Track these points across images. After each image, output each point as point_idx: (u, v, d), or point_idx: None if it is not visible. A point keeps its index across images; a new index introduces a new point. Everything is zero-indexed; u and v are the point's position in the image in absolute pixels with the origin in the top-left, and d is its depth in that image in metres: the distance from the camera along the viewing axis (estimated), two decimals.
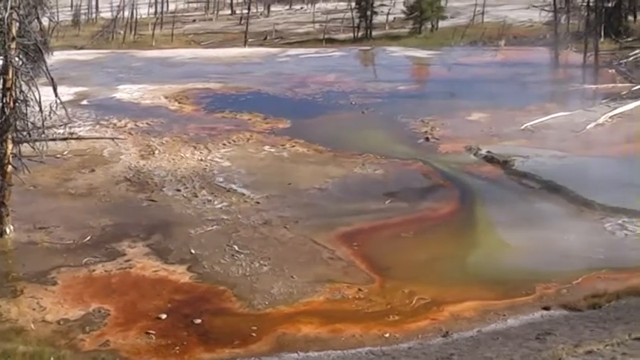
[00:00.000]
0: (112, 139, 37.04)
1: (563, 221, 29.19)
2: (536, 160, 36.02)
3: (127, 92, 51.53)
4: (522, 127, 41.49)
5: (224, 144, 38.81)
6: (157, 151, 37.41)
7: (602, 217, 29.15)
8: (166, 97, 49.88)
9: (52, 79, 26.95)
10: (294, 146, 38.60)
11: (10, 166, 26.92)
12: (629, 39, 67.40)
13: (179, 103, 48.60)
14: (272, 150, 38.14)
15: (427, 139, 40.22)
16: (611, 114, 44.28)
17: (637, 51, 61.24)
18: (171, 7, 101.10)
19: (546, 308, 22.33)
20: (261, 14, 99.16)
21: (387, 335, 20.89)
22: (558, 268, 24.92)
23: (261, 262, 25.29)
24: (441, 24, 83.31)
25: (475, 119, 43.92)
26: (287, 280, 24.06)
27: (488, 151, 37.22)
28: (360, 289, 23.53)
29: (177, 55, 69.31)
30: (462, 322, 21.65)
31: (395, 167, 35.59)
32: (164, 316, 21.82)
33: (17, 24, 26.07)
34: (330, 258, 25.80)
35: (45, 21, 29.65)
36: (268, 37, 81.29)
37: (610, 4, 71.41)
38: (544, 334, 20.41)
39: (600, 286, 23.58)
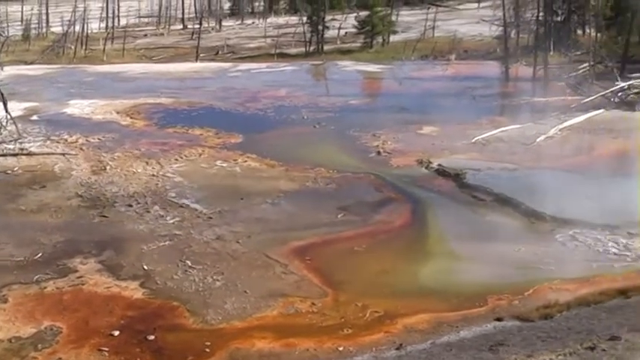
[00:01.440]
0: (63, 154, 36.86)
1: (514, 233, 29.45)
2: (487, 173, 36.31)
3: (78, 107, 51.17)
4: (473, 140, 41.84)
5: (176, 159, 38.69)
6: (108, 167, 37.19)
7: (553, 228, 29.44)
8: (118, 112, 49.62)
9: (1, 94, 26.81)
10: (246, 161, 38.57)
11: None
12: (578, 52, 68.04)
13: (131, 118, 48.39)
14: (224, 165, 38.09)
15: (379, 152, 40.35)
16: (561, 126, 44.80)
17: (586, 64, 61.89)
18: (123, 21, 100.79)
19: (499, 319, 22.42)
20: (212, 29, 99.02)
21: (340, 349, 20.87)
22: (510, 280, 25.11)
23: (214, 277, 25.20)
24: (393, 38, 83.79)
25: (426, 133, 44.16)
26: (240, 295, 24.00)
27: (440, 165, 37.43)
28: (313, 303, 23.53)
29: (129, 70, 69.04)
30: (416, 335, 21.67)
31: (347, 181, 35.68)
32: (117, 333, 21.62)
33: None
34: (283, 272, 25.76)
35: None
36: (220, 52, 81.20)
37: (559, 19, 72.24)
38: (497, 345, 20.53)
39: (552, 296, 23.77)
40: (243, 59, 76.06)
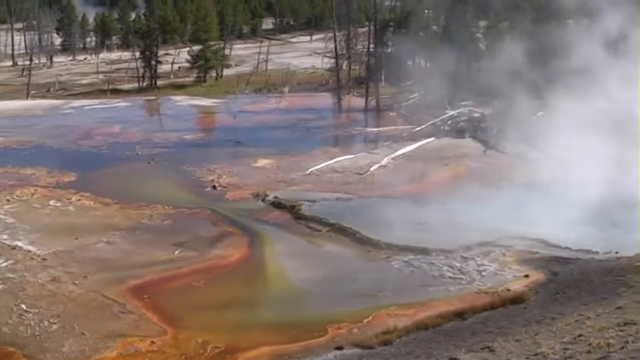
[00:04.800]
0: None
1: (351, 262, 29.99)
2: (322, 204, 36.73)
3: None
4: (308, 171, 42.31)
5: (7, 200, 37.69)
6: None
7: (389, 255, 30.09)
8: None
9: None
10: (80, 200, 37.89)
11: None
12: (409, 83, 69.63)
13: None
14: (58, 204, 37.32)
15: (214, 187, 40.31)
16: (393, 155, 45.77)
17: (416, 94, 63.40)
18: None
19: (339, 348, 22.71)
20: (43, 65, 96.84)
21: None
22: (349, 308, 25.52)
23: (51, 320, 24.65)
24: (226, 72, 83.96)
25: (261, 166, 44.44)
26: (78, 337, 23.55)
27: (276, 197, 37.68)
28: (152, 342, 23.34)
29: None
30: None
31: (183, 217, 35.54)
32: None
33: None
34: (121, 312, 25.45)
35: None
36: (51, 89, 79.46)
37: (389, 50, 73.78)
38: None
39: (390, 322, 24.26)
40: (76, 96, 74.70)
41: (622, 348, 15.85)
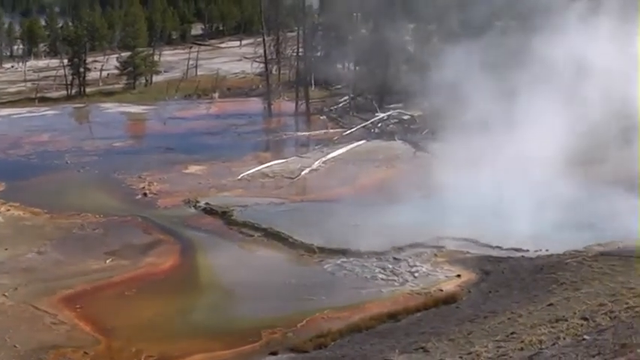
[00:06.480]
0: None
1: (284, 266, 30.09)
2: (254, 209, 36.76)
3: None
4: (239, 177, 42.28)
5: None
6: None
7: (322, 259, 30.25)
8: None
9: None
10: (9, 210, 37.41)
11: None
12: (339, 86, 69.99)
13: None
14: None
15: (145, 194, 40.08)
16: (324, 159, 45.91)
17: (346, 97, 63.82)
18: None
19: (274, 353, 22.80)
20: None
21: None
22: (283, 313, 25.63)
23: None
24: (156, 78, 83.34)
25: (192, 172, 44.32)
26: (10, 350, 23.30)
27: (207, 203, 37.61)
28: (85, 352, 23.20)
29: None
30: None
31: (114, 225, 35.29)
32: None
33: None
34: (53, 323, 25.24)
35: None
36: None
37: (319, 54, 73.99)
38: None
39: (325, 326, 24.43)
40: (3, 104, 73.42)
41: (554, 344, 16.09)
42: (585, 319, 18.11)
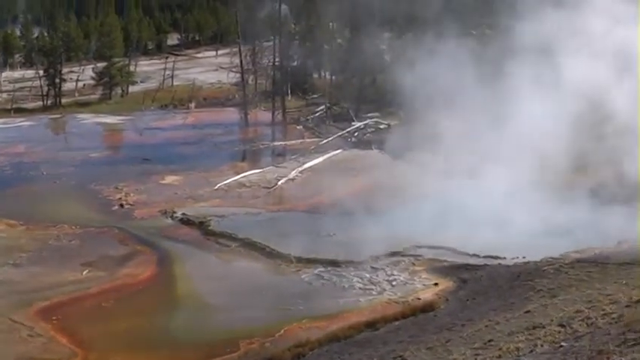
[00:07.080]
0: None
1: (262, 276, 30.06)
2: (231, 219, 36.73)
3: None
4: (216, 187, 42.24)
5: None
6: None
7: (299, 269, 30.25)
8: None
9: None
10: None
11: None
12: (315, 95, 70.13)
13: None
14: None
15: (122, 205, 39.95)
16: (301, 169, 45.91)
17: (322, 107, 63.87)
18: None
19: None
20: None
21: None
22: (261, 323, 25.60)
23: None
24: (132, 89, 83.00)
25: (169, 182, 44.24)
26: None
27: (184, 214, 37.55)
28: None
29: None
30: None
31: (91, 236, 35.18)
32: None
33: None
34: (30, 335, 25.10)
35: None
36: None
37: (295, 63, 74.07)
38: None
39: (302, 335, 24.39)
40: None
41: (531, 351, 16.11)
42: (562, 325, 18.12)
